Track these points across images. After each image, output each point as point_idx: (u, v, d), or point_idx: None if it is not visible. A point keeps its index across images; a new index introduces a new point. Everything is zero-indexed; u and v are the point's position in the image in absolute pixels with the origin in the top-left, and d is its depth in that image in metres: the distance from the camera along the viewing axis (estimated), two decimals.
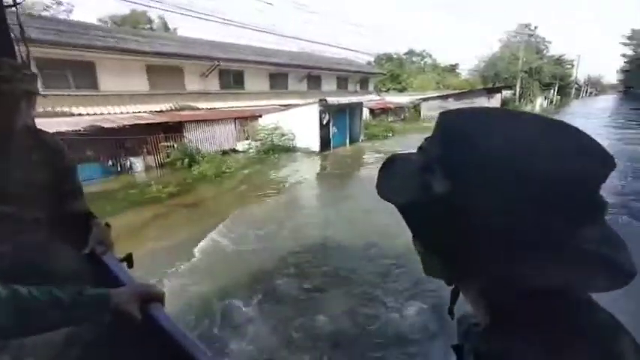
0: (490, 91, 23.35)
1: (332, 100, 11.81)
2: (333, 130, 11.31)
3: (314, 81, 18.43)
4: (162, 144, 9.19)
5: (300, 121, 10.99)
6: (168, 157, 9.16)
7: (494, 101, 22.73)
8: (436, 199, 0.31)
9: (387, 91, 31.85)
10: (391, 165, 0.39)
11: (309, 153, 10.98)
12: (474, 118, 0.33)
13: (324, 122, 10.88)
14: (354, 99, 16.51)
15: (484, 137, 0.30)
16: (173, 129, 9.39)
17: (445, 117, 0.35)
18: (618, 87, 60.73)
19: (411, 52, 42.49)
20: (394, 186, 0.36)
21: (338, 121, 11.52)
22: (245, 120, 11.45)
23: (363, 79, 23.49)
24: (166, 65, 11.07)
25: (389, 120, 20.13)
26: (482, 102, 22.67)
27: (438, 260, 0.35)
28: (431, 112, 23.03)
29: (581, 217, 0.28)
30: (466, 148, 0.30)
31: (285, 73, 16.31)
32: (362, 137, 12.96)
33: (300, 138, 11.22)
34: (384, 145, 12.46)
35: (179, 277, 3.78)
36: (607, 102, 47.50)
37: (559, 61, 37.83)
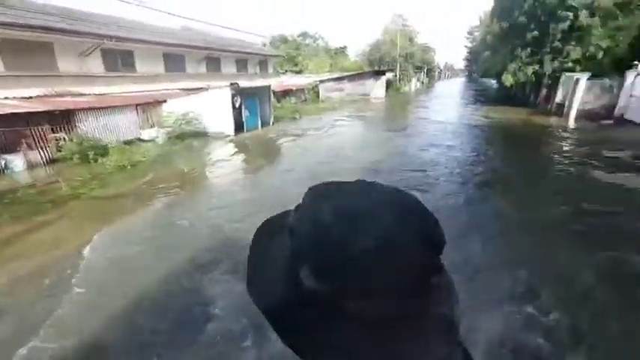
0: (377, 73, 27.33)
1: (239, 83, 12.20)
2: (245, 113, 11.92)
3: (213, 63, 18.06)
4: (52, 136, 8.14)
5: (211, 106, 11.18)
6: (59, 151, 8.20)
7: (381, 82, 26.89)
8: (308, 299, 0.30)
9: (285, 72, 33.12)
10: (260, 252, 0.38)
11: (223, 137, 11.36)
12: (336, 201, 0.33)
13: (237, 106, 11.39)
14: (259, 82, 17.18)
15: (343, 228, 0.29)
16: (60, 118, 8.37)
17: (310, 199, 0.34)
18: (464, 71, 78.13)
19: (304, 34, 44.46)
20: (263, 288, 0.35)
21: (249, 105, 12.16)
22: (147, 106, 10.87)
23: (262, 61, 24.02)
24: (28, 40, 9.40)
25: (292, 102, 21.56)
26: (371, 83, 26.51)
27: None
28: (328, 93, 25.60)
29: (431, 291, 0.31)
30: (328, 241, 0.30)
31: (182, 55, 15.56)
32: (272, 119, 13.94)
33: (212, 122, 11.44)
34: (295, 126, 13.83)
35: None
36: (458, 84, 60.96)
37: (426, 49, 46.42)
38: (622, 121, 11.35)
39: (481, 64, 30.02)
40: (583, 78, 12.75)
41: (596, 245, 4.00)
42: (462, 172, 7.23)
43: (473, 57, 54.30)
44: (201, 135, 11.28)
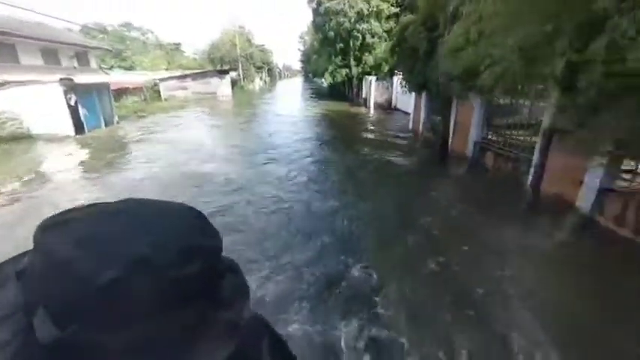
0: (221, 72, 28.39)
1: (48, 78, 10.71)
2: (83, 111, 11.02)
3: (4, 51, 14.60)
4: None
5: (35, 104, 9.83)
6: None
7: (226, 81, 28.15)
8: (48, 353, 0.26)
9: (111, 68, 29.35)
10: None
11: (59, 139, 10.23)
12: (77, 230, 0.29)
13: (72, 103, 10.46)
14: (86, 78, 15.32)
15: (85, 260, 0.27)
16: None
17: (44, 232, 0.30)
18: (301, 72, 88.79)
19: (127, 25, 39.73)
20: None
21: (87, 103, 11.27)
22: None
23: (81, 54, 20.77)
24: None
25: (130, 101, 20.02)
26: (216, 81, 27.39)
27: None
28: (170, 91, 24.83)
29: (213, 298, 0.32)
30: (68, 276, 0.26)
31: None
32: (116, 118, 13.21)
33: (40, 123, 10.06)
34: (143, 124, 13.58)
35: None
36: (296, 83, 69.06)
37: (264, 50, 50.43)
38: (395, 109, 17.57)
39: (311, 65, 36.14)
40: (373, 80, 18.58)
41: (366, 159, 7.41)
42: (302, 145, 10.08)
43: (306, 59, 62.74)
44: (24, 138, 9.78)
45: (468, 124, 7.52)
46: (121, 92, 19.25)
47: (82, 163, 8.41)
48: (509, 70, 3.33)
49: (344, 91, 28.35)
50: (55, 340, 0.26)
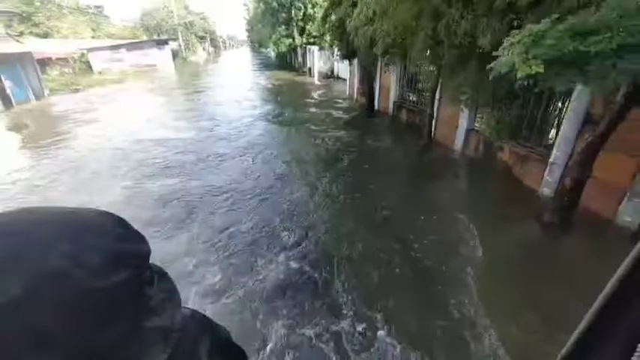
0: (159, 43, 26.56)
1: None
2: (7, 83, 10.27)
3: None
4: None
5: None
6: None
7: (166, 52, 26.47)
8: None
9: (21, 35, 25.73)
10: None
11: None
12: None
13: None
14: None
15: None
16: None
17: None
18: (247, 42, 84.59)
19: None
20: None
21: (10, 74, 10.46)
22: None
23: None
24: None
25: (59, 73, 18.33)
26: (155, 53, 25.66)
27: None
28: (104, 64, 22.65)
29: (141, 306, 0.30)
30: None
31: None
32: (47, 91, 12.40)
33: None
34: (81, 98, 12.92)
35: None
36: (243, 54, 66.18)
37: (204, 18, 47.06)
38: (338, 78, 18.61)
39: (255, 34, 35.03)
40: (316, 50, 19.20)
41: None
42: (252, 111, 10.74)
43: (251, 28, 59.68)
44: None
45: (389, 87, 8.86)
46: (42, 63, 17.44)
47: (21, 137, 8.26)
48: (394, 41, 4.49)
49: (291, 61, 28.43)
50: None
